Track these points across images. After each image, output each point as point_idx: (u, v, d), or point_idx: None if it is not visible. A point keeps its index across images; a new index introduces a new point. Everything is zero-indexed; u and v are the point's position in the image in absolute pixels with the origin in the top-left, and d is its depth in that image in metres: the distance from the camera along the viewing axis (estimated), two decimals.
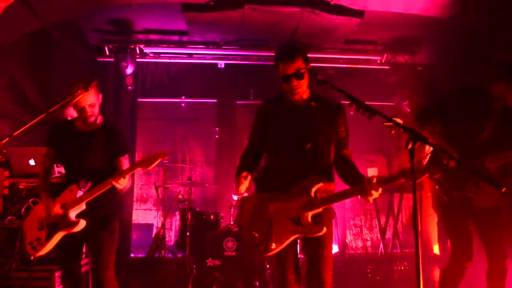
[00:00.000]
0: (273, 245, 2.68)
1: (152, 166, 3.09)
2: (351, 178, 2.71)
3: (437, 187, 3.41)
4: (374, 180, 2.45)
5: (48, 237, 3.11)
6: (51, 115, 2.73)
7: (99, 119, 3.37)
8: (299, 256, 2.88)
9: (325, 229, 2.64)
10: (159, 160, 3.10)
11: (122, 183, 3.09)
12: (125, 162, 3.37)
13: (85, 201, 3.12)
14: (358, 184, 2.55)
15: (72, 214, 3.11)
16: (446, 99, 3.54)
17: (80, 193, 3.14)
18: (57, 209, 3.12)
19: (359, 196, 2.57)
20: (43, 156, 3.37)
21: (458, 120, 3.38)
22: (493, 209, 3.30)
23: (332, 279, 2.74)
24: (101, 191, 3.10)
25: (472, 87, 3.46)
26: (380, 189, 2.48)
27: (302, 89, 2.79)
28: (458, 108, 3.40)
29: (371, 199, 2.51)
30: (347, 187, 2.69)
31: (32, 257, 3.38)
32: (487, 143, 3.28)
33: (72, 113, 4.39)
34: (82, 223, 3.11)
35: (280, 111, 2.90)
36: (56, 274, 4.24)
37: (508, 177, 3.29)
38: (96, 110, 3.29)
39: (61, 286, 4.28)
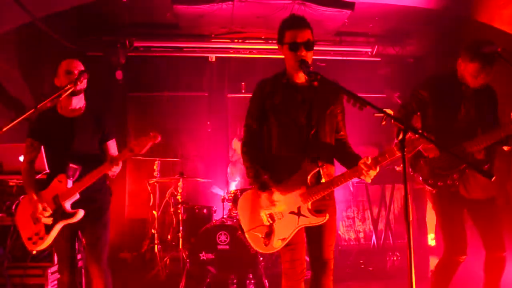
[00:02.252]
0: (278, 242, 2.64)
1: (145, 149, 3.06)
2: (349, 160, 2.67)
3: (420, 179, 3.35)
4: (369, 161, 2.44)
5: (48, 230, 3.08)
6: (40, 110, 2.70)
7: (83, 104, 3.33)
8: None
9: (327, 216, 2.61)
10: (150, 143, 3.06)
11: (114, 170, 3.09)
12: (112, 146, 3.38)
13: (78, 191, 3.08)
14: (355, 166, 2.51)
15: (67, 204, 3.09)
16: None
17: (69, 183, 3.10)
18: (48, 202, 3.08)
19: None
20: (25, 149, 3.25)
21: (436, 108, 3.31)
22: (487, 201, 3.26)
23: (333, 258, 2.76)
24: (94, 179, 3.07)
25: (446, 73, 3.40)
26: (378, 168, 2.45)
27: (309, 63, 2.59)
28: (435, 95, 3.31)
29: (368, 179, 2.48)
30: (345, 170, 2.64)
31: (34, 252, 3.37)
32: (465, 127, 3.21)
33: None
34: (80, 213, 3.08)
35: (283, 91, 2.72)
36: (49, 270, 4.22)
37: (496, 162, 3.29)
38: (82, 94, 3.28)
39: (55, 282, 4.27)
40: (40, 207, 3.06)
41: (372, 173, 2.45)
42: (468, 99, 3.24)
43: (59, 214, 3.08)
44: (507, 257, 3.26)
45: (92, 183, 3.09)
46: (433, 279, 3.47)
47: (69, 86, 3.01)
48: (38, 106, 2.77)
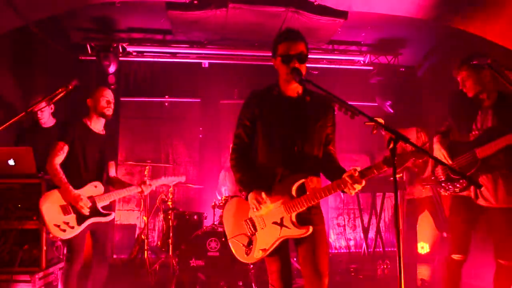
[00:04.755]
0: (259, 252, 2.58)
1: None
2: (334, 173, 2.58)
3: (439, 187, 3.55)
4: (356, 174, 2.38)
5: (81, 222, 3.51)
6: (29, 114, 2.70)
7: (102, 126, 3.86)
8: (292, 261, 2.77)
9: (311, 229, 2.51)
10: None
11: (147, 190, 3.83)
12: (112, 166, 3.95)
13: (110, 199, 3.68)
14: (341, 178, 2.44)
15: (100, 206, 3.62)
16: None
17: (103, 189, 3.69)
18: (85, 200, 3.49)
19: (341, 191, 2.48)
20: (56, 151, 3.55)
21: (451, 120, 3.57)
22: (502, 210, 3.28)
23: (328, 271, 2.64)
24: (129, 193, 3.80)
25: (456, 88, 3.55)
26: (364, 181, 2.40)
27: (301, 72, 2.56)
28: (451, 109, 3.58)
29: (353, 192, 2.42)
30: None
31: (60, 238, 3.95)
32: (479, 136, 3.33)
33: (44, 114, 4.77)
34: (112, 215, 3.69)
35: (273, 103, 2.68)
36: (37, 276, 4.17)
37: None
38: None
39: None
40: (85, 199, 3.48)
41: (357, 186, 2.39)
42: (485, 109, 3.37)
43: (93, 212, 3.55)
44: None
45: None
46: (442, 282, 3.56)
47: (60, 90, 3.08)
48: (28, 110, 2.77)
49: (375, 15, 5.93)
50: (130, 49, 7.04)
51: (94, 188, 3.65)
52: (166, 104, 7.48)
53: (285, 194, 2.56)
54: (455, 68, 3.37)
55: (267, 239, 2.58)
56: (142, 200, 6.32)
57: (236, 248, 2.71)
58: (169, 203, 5.67)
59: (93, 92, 3.74)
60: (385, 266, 5.70)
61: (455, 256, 3.40)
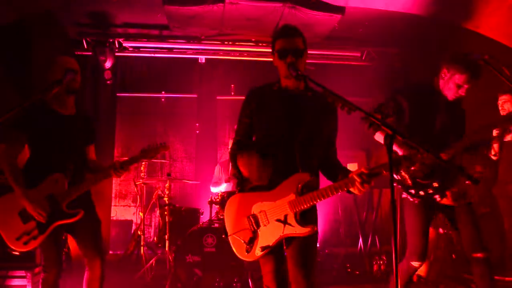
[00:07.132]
0: (260, 249, 2.53)
1: (155, 156, 3.19)
2: (338, 173, 2.59)
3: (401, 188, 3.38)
4: (366, 173, 2.35)
5: (44, 229, 2.98)
6: (25, 108, 2.65)
7: (73, 103, 3.31)
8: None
9: (315, 229, 2.50)
10: (162, 151, 3.21)
11: (122, 173, 3.10)
12: (92, 150, 3.40)
13: (78, 193, 3.06)
14: (348, 178, 2.42)
15: (65, 203, 3.04)
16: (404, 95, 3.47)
17: (66, 183, 3.05)
18: (40, 201, 2.98)
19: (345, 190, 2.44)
20: (9, 143, 3.08)
21: (412, 117, 3.36)
22: (464, 206, 3.33)
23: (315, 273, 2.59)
24: (98, 181, 3.09)
25: (426, 83, 3.49)
26: (372, 182, 2.37)
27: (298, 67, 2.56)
28: (413, 105, 3.37)
29: (359, 192, 2.40)
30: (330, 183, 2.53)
31: (18, 253, 3.14)
32: (439, 138, 3.28)
33: None
34: (81, 214, 3.04)
35: (272, 98, 2.69)
36: (31, 272, 4.16)
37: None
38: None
39: (37, 284, 4.21)
40: (39, 206, 2.96)
41: (365, 186, 2.37)
42: (443, 111, 3.32)
43: (56, 214, 3.00)
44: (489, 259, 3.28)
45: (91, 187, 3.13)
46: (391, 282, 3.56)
47: (54, 85, 2.97)
48: (25, 104, 2.72)
49: (372, 11, 5.92)
50: (126, 44, 7.01)
51: (54, 183, 3.03)
52: (163, 99, 7.46)
53: (290, 191, 2.52)
54: (455, 69, 3.18)
55: (270, 236, 2.54)
56: (138, 196, 6.31)
57: (237, 245, 2.62)
58: (166, 198, 5.65)
59: (50, 64, 3.15)
60: (381, 262, 5.72)
61: (415, 263, 3.33)
